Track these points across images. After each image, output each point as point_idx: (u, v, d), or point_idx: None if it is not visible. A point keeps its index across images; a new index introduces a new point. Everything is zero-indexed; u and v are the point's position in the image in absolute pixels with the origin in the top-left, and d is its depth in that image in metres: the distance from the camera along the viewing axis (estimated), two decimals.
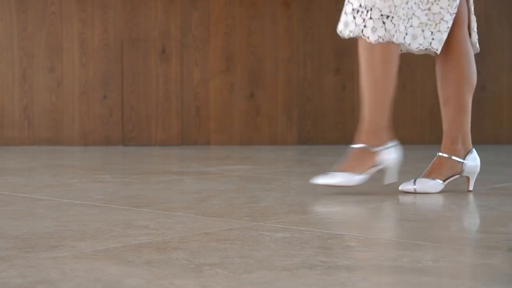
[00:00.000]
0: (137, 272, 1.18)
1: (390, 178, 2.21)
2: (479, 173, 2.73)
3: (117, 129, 4.31)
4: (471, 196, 2.10)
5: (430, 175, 2.20)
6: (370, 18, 2.10)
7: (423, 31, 2.17)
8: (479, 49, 2.34)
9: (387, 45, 2.13)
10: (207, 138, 4.33)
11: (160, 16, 4.31)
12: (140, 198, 2.06)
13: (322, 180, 2.13)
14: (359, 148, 2.17)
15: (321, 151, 3.86)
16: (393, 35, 2.11)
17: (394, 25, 2.10)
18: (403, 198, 2.06)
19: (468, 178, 2.24)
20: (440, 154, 2.23)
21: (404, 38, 2.15)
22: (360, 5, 2.11)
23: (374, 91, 2.18)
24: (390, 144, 2.20)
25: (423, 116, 4.37)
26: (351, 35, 2.13)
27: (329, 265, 1.21)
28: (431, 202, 1.98)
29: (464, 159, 2.22)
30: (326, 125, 4.36)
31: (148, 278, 1.14)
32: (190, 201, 1.99)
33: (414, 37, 2.17)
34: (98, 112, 4.30)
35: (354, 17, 2.12)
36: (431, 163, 2.23)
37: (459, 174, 2.22)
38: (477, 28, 2.36)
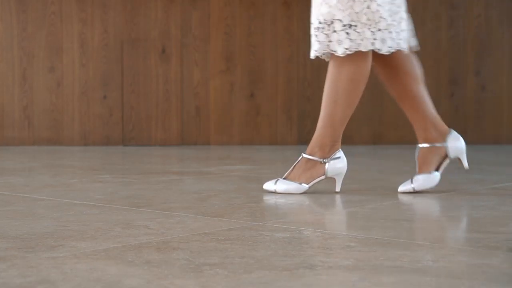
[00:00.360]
0: (137, 272, 1.18)
1: (338, 187, 2.18)
2: (479, 173, 2.74)
3: (117, 129, 4.31)
4: (471, 196, 2.10)
5: (421, 170, 2.18)
6: (334, 31, 2.06)
7: (390, 32, 2.12)
8: (416, 43, 2.30)
9: (356, 62, 2.10)
10: (207, 138, 4.33)
11: (160, 16, 4.31)
12: (140, 198, 2.06)
13: (269, 186, 2.17)
14: (309, 159, 2.16)
15: None
16: (359, 44, 2.07)
17: (359, 33, 2.06)
18: (403, 198, 2.06)
19: (459, 159, 2.22)
20: (420, 146, 2.21)
21: (374, 44, 2.09)
22: (320, 22, 2.08)
23: (333, 108, 2.16)
24: (337, 155, 2.18)
25: None
26: (317, 54, 2.10)
27: (329, 265, 1.21)
28: (431, 202, 1.98)
29: (445, 142, 2.20)
30: None
31: (148, 278, 1.14)
32: (190, 201, 1.99)
33: (383, 40, 2.11)
34: (98, 112, 4.30)
35: (317, 35, 2.09)
36: (416, 160, 2.22)
37: (447, 157, 2.19)
38: (413, 25, 2.31)
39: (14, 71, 4.28)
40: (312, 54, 2.13)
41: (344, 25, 2.05)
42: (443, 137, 2.21)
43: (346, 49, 2.06)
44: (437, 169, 2.19)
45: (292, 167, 2.17)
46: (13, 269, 1.18)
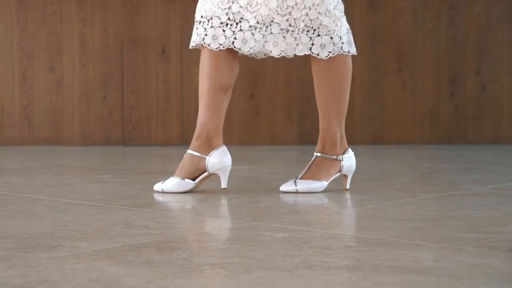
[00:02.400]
0: (137, 272, 1.18)
1: (348, 183, 2.22)
2: (479, 173, 2.74)
3: (117, 129, 4.31)
4: (471, 196, 2.10)
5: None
6: (211, 27, 2.13)
7: (284, 37, 2.12)
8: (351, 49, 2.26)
9: (349, 58, 2.21)
10: None
11: (160, 16, 4.31)
12: (140, 198, 2.06)
13: (289, 187, 2.16)
14: (324, 157, 2.19)
15: None
16: (232, 42, 2.12)
17: (233, 32, 2.12)
18: (403, 198, 2.06)
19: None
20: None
21: (234, 42, 2.13)
22: (202, 16, 2.16)
23: (342, 105, 2.24)
24: (349, 151, 2.23)
25: (423, 116, 4.37)
26: (193, 44, 2.18)
27: (329, 265, 1.21)
28: (431, 202, 1.98)
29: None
30: None
31: (148, 278, 1.14)
32: (190, 201, 1.99)
33: (276, 43, 2.12)
34: (98, 112, 4.30)
35: (197, 28, 2.17)
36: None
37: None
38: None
39: (14, 71, 4.28)
40: (190, 45, 2.21)
41: (222, 23, 2.14)
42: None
43: (220, 44, 2.14)
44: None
45: (307, 167, 2.19)
46: (13, 269, 1.18)
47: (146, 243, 1.39)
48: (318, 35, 2.13)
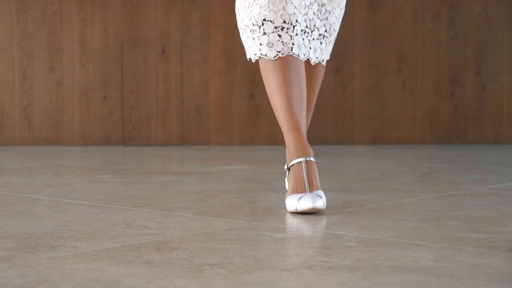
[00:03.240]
0: (137, 272, 1.18)
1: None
2: (479, 173, 2.74)
3: (117, 129, 4.31)
4: (471, 196, 2.10)
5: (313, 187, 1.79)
6: (264, 33, 1.86)
7: (321, 43, 2.00)
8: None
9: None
10: (207, 138, 4.33)
11: (160, 16, 4.31)
12: (140, 198, 2.06)
13: (309, 204, 1.74)
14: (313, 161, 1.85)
15: (321, 151, 3.86)
16: (291, 48, 1.87)
17: (291, 37, 1.87)
18: (403, 198, 2.06)
19: None
20: (309, 159, 1.83)
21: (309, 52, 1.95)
22: (253, 24, 1.89)
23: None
24: None
25: (423, 116, 4.37)
26: (256, 57, 1.90)
27: (329, 265, 1.21)
28: (431, 202, 1.98)
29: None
30: (326, 125, 4.36)
31: (148, 278, 1.14)
32: (190, 201, 1.99)
33: (315, 50, 1.98)
34: (98, 112, 4.30)
35: (280, 36, 1.87)
36: (305, 175, 1.81)
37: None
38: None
39: (14, 71, 4.28)
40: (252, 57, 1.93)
41: (276, 27, 1.88)
42: None
43: (278, 52, 1.88)
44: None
45: (308, 178, 1.82)
46: (13, 269, 1.18)
47: (146, 243, 1.39)
48: (326, 40, 2.03)
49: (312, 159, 1.84)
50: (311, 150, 1.86)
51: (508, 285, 1.09)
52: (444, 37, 4.38)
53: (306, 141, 1.86)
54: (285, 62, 1.87)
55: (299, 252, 1.31)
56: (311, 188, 1.79)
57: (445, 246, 1.37)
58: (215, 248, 1.34)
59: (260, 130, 4.30)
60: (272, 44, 1.86)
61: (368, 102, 4.36)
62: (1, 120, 4.28)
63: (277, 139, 4.31)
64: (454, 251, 1.32)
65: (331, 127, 4.38)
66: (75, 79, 4.30)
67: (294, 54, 1.87)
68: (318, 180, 1.82)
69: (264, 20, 1.87)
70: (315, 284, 1.10)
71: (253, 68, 4.34)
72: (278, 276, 1.14)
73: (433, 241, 1.41)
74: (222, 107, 4.34)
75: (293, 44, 1.87)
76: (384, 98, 4.36)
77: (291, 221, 1.68)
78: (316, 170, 1.83)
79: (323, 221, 1.68)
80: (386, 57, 4.35)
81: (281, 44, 1.86)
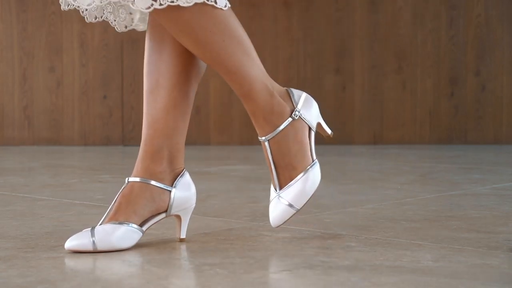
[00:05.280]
0: (137, 272, 1.18)
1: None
2: (479, 173, 2.73)
3: (117, 129, 4.31)
4: (471, 196, 2.10)
5: (115, 216, 1.36)
6: None
7: None
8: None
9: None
10: (207, 138, 4.33)
11: None
12: None
13: (280, 213, 1.44)
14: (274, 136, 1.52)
15: (321, 151, 3.86)
16: None
17: None
18: (403, 198, 2.06)
19: (179, 219, 1.42)
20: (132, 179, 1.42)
21: None
22: None
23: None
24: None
25: (423, 116, 4.37)
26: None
27: (329, 265, 1.21)
28: (431, 202, 1.98)
29: (172, 185, 1.41)
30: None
31: (148, 278, 1.14)
32: None
33: None
34: (98, 112, 4.30)
35: None
36: (118, 197, 1.40)
37: (165, 212, 1.39)
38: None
39: (14, 71, 4.28)
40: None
41: None
42: (174, 177, 1.44)
43: None
44: (142, 224, 1.37)
45: (270, 166, 1.53)
46: (13, 269, 1.18)
47: (146, 243, 1.39)
48: None
49: None
50: None
51: (508, 285, 1.09)
52: (444, 37, 4.38)
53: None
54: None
55: (299, 252, 1.31)
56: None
57: (445, 246, 1.37)
58: (215, 248, 1.34)
59: None
60: None
61: (368, 102, 4.35)
62: (1, 120, 4.28)
63: None
64: (454, 251, 1.32)
65: (331, 127, 4.36)
66: (75, 79, 4.30)
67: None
68: None
69: None
70: (315, 284, 1.09)
71: None
72: (278, 276, 1.14)
73: (433, 241, 1.41)
74: (222, 107, 4.33)
75: None
76: (384, 98, 4.36)
77: (291, 221, 1.68)
78: None
79: (323, 221, 1.68)
80: (386, 57, 4.34)
81: None
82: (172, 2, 1.28)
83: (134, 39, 4.29)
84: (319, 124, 1.55)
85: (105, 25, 4.28)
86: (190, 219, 1.43)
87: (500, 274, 1.15)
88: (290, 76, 4.33)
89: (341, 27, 4.28)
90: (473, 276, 1.14)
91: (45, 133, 4.29)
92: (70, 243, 1.30)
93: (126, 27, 1.47)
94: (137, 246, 1.36)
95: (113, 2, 1.39)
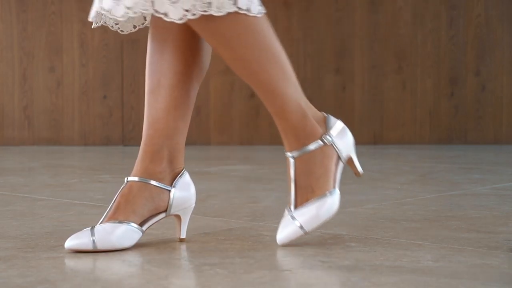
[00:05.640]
0: (137, 272, 1.18)
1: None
2: (479, 173, 2.73)
3: (117, 129, 4.31)
4: (471, 196, 2.10)
5: (115, 215, 1.37)
6: None
7: None
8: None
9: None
10: (207, 138, 4.33)
11: None
12: None
13: (290, 232, 1.37)
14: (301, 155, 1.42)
15: None
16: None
17: None
18: (403, 198, 2.06)
19: (179, 218, 1.42)
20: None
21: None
22: None
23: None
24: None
25: (423, 116, 4.37)
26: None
27: (329, 265, 1.21)
28: (430, 202, 1.98)
29: (171, 185, 1.41)
30: None
31: (148, 278, 1.14)
32: None
33: None
34: (98, 112, 4.30)
35: None
36: (117, 197, 1.41)
37: (165, 212, 1.39)
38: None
39: (14, 71, 4.28)
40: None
41: None
42: (173, 177, 1.44)
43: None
44: (142, 224, 1.37)
45: (292, 185, 1.42)
46: (13, 269, 1.18)
47: (146, 243, 1.39)
48: None
49: None
50: None
51: (508, 285, 1.09)
52: (444, 37, 4.38)
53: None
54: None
55: (299, 252, 1.31)
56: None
57: (445, 246, 1.37)
58: (215, 248, 1.34)
59: (260, 130, 4.30)
60: None
61: (368, 102, 4.35)
62: (1, 120, 4.28)
63: (277, 139, 4.31)
64: (454, 251, 1.32)
65: None
66: (75, 79, 4.30)
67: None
68: None
69: None
70: (315, 284, 1.10)
71: None
72: (278, 276, 1.14)
73: (433, 241, 1.41)
74: (222, 107, 4.33)
75: None
76: (384, 98, 4.36)
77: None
78: None
79: None
80: (386, 57, 4.34)
81: None
82: (205, 11, 1.26)
83: (134, 39, 4.29)
84: (350, 159, 1.48)
85: (105, 25, 4.28)
86: (190, 219, 1.43)
87: (500, 274, 1.15)
88: None
89: (341, 27, 4.28)
90: (473, 276, 1.14)
91: (45, 133, 4.29)
92: (70, 243, 1.31)
93: (135, 27, 1.47)
94: (137, 246, 1.36)
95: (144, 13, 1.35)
